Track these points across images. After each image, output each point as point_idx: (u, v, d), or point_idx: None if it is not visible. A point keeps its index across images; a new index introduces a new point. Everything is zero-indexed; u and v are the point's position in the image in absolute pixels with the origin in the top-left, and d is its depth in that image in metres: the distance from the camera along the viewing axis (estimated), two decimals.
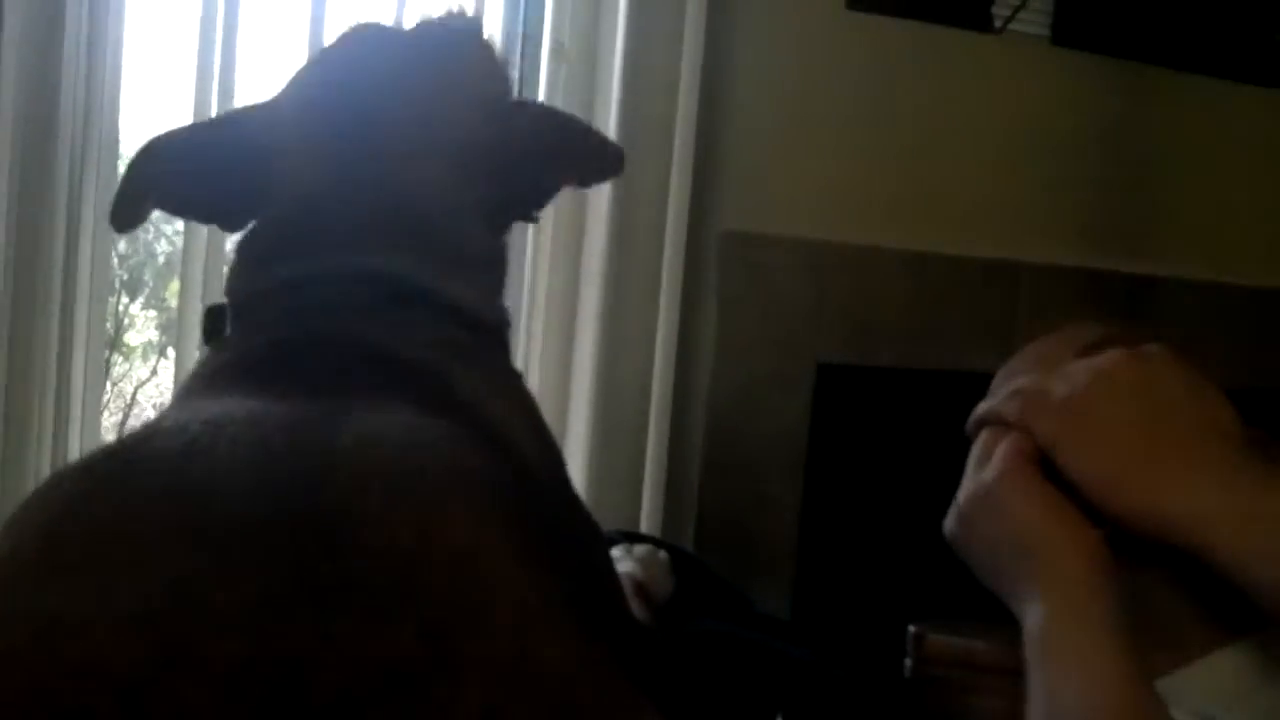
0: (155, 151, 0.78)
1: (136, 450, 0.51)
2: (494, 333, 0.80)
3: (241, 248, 0.78)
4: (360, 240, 0.73)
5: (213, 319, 0.75)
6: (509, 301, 0.87)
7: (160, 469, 0.48)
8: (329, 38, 0.89)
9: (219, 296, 0.78)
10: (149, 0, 1.71)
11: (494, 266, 0.83)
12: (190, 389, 0.66)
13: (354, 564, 0.45)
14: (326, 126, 0.78)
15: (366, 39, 0.86)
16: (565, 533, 0.66)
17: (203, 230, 1.67)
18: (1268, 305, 2.21)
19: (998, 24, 2.13)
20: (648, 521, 1.78)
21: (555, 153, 0.84)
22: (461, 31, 0.89)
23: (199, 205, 0.82)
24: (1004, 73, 2.10)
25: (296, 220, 0.75)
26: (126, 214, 0.78)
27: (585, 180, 0.92)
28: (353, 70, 0.82)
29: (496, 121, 0.82)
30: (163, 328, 3.77)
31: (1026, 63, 2.13)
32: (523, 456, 0.67)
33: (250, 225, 0.78)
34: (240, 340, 0.70)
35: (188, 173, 0.78)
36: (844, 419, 1.97)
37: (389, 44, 0.86)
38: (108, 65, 1.61)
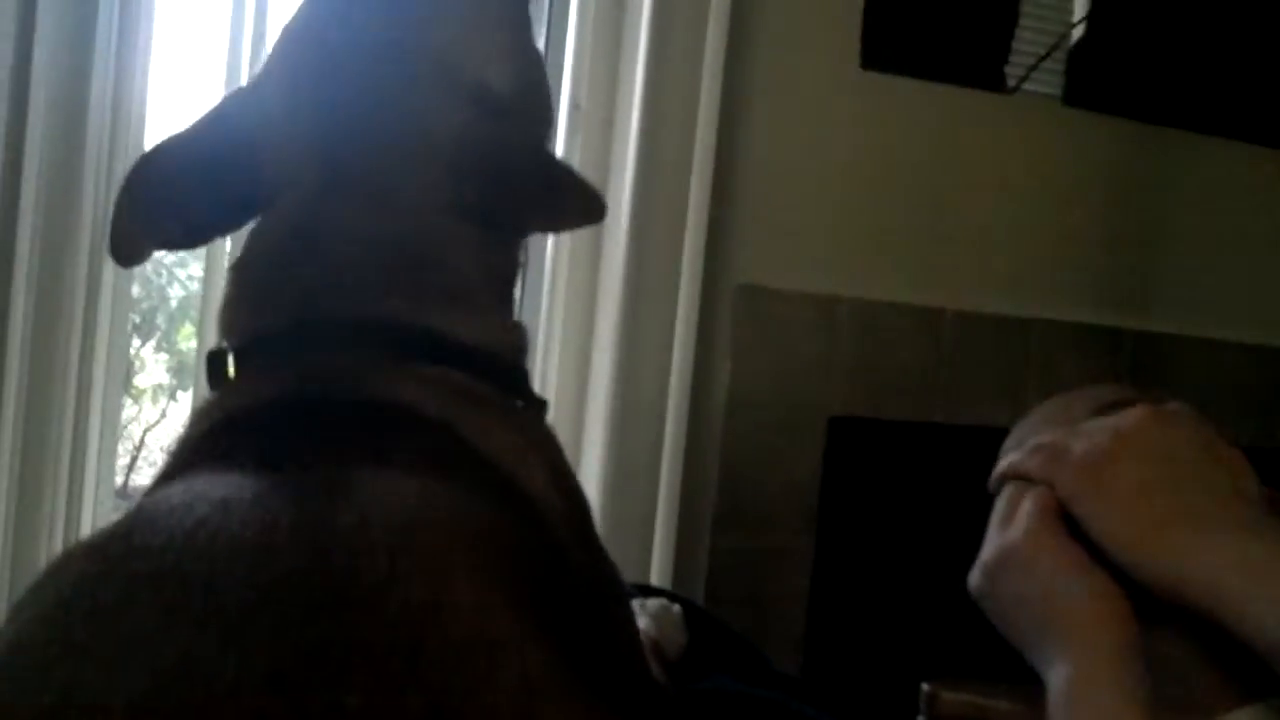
0: (141, 184, 0.75)
1: (145, 531, 0.51)
2: (507, 366, 0.76)
3: (236, 279, 0.74)
4: (358, 280, 0.70)
5: (215, 364, 0.72)
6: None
7: (169, 551, 0.49)
8: None
9: None
10: (174, 40, 1.74)
11: (501, 282, 0.78)
12: (194, 448, 0.64)
13: (360, 639, 0.46)
14: (314, 120, 0.73)
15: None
16: (582, 589, 0.65)
17: (221, 276, 1.69)
18: (1276, 364, 2.22)
19: (1011, 83, 2.16)
20: (659, 572, 1.78)
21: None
22: None
23: (203, 229, 0.79)
24: (1017, 132, 2.12)
25: (291, 254, 0.71)
26: (123, 252, 0.77)
27: (558, 223, 0.83)
28: (340, 32, 0.76)
29: (494, 113, 0.76)
30: (173, 371, 3.79)
31: (1039, 122, 2.16)
32: (538, 509, 0.65)
33: (243, 247, 0.74)
34: (244, 390, 0.69)
35: (180, 203, 0.76)
36: (855, 472, 1.97)
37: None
38: (133, 112, 1.64)
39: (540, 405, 0.79)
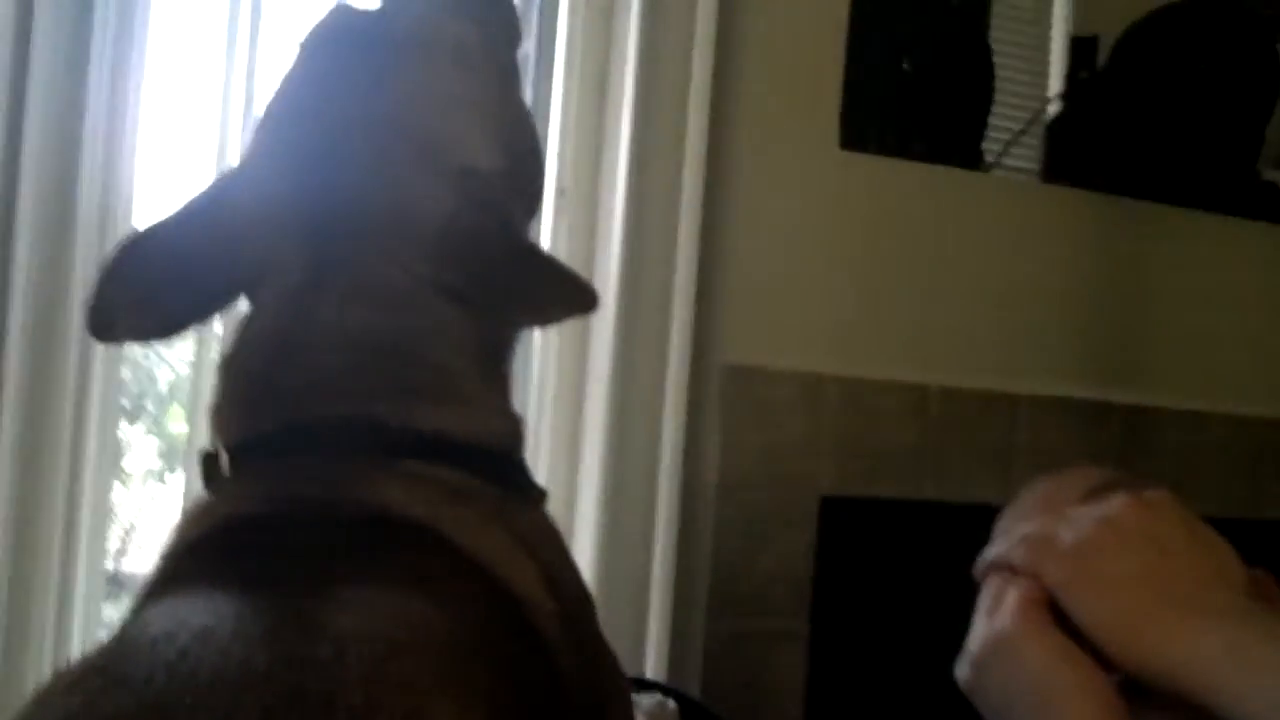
0: (120, 276, 0.76)
1: (127, 663, 0.51)
2: (499, 459, 0.75)
3: (225, 377, 0.75)
4: (343, 381, 0.71)
5: (208, 465, 0.73)
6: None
7: (148, 686, 0.49)
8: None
9: None
10: (164, 122, 1.76)
11: (493, 368, 0.77)
12: (181, 560, 0.65)
13: None
14: (296, 206, 0.73)
15: (337, 51, 0.79)
16: (574, 695, 0.65)
17: (210, 358, 1.70)
18: (1262, 435, 2.23)
19: (989, 159, 2.20)
20: (654, 658, 1.76)
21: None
22: (452, 35, 0.81)
23: (180, 322, 0.78)
24: (996, 208, 2.15)
25: (276, 353, 0.72)
26: (101, 334, 0.78)
27: (544, 316, 0.82)
28: (323, 114, 0.76)
29: (480, 201, 0.75)
30: (162, 454, 3.77)
31: (1018, 198, 2.19)
32: (525, 613, 0.65)
33: (232, 343, 0.75)
34: (232, 497, 0.69)
35: (158, 296, 0.76)
36: (849, 550, 1.96)
37: (363, 62, 0.78)
38: (123, 194, 1.65)
39: (540, 495, 0.78)
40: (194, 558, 0.64)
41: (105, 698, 0.49)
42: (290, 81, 0.80)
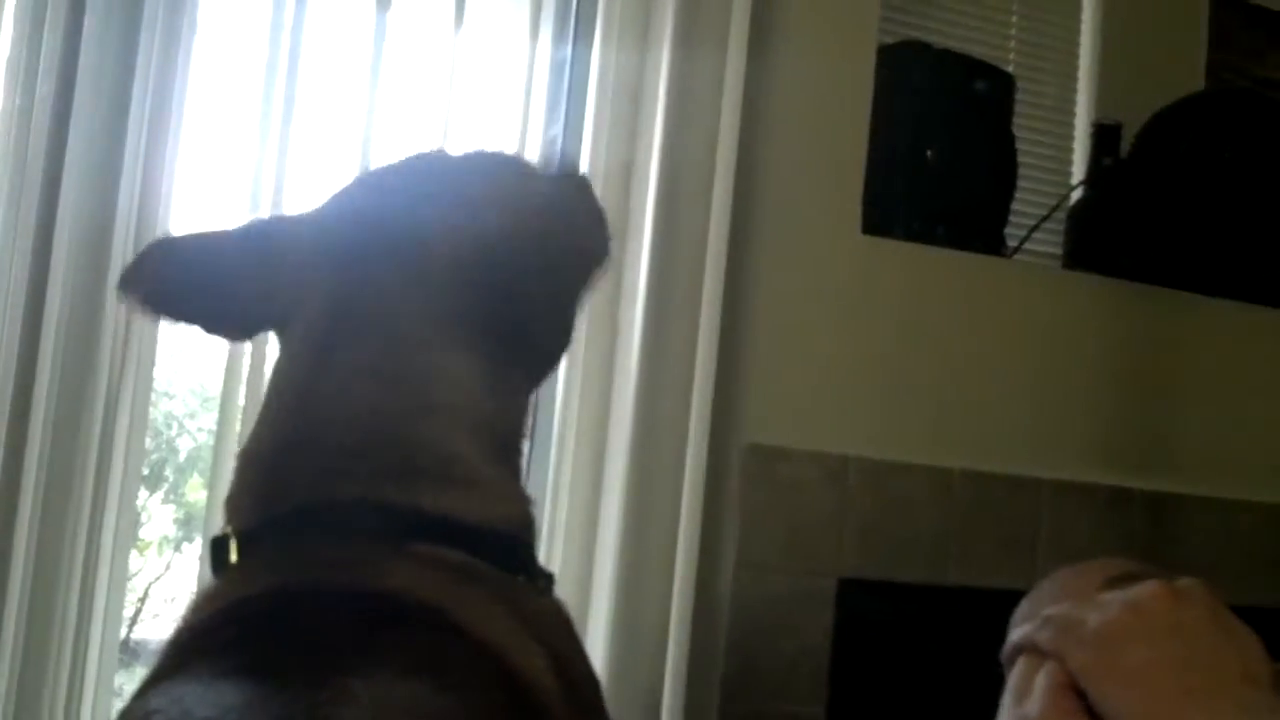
0: (167, 253, 0.81)
1: None
2: (509, 542, 0.76)
3: (240, 466, 0.77)
4: (355, 465, 0.72)
5: (218, 551, 0.74)
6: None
7: None
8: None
9: None
10: (199, 176, 1.80)
11: (508, 451, 0.80)
12: (188, 645, 0.65)
13: None
14: (332, 255, 0.78)
15: (416, 167, 0.86)
16: None
17: (234, 428, 1.71)
18: None
19: (1012, 244, 2.20)
20: None
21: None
22: (529, 179, 0.87)
23: (202, 314, 0.82)
24: (1019, 294, 2.15)
25: (287, 438, 0.74)
26: (125, 283, 0.81)
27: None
28: (384, 203, 0.82)
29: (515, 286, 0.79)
30: (180, 522, 3.78)
31: (1040, 285, 2.19)
32: (533, 698, 0.65)
33: (250, 436, 0.77)
34: (241, 581, 0.70)
35: (196, 283, 0.80)
36: (868, 635, 1.94)
37: (436, 175, 0.84)
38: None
39: (547, 580, 0.79)
40: (199, 643, 0.64)
41: None
42: (360, 177, 0.86)
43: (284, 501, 0.72)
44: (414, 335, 0.75)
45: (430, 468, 0.73)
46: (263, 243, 0.81)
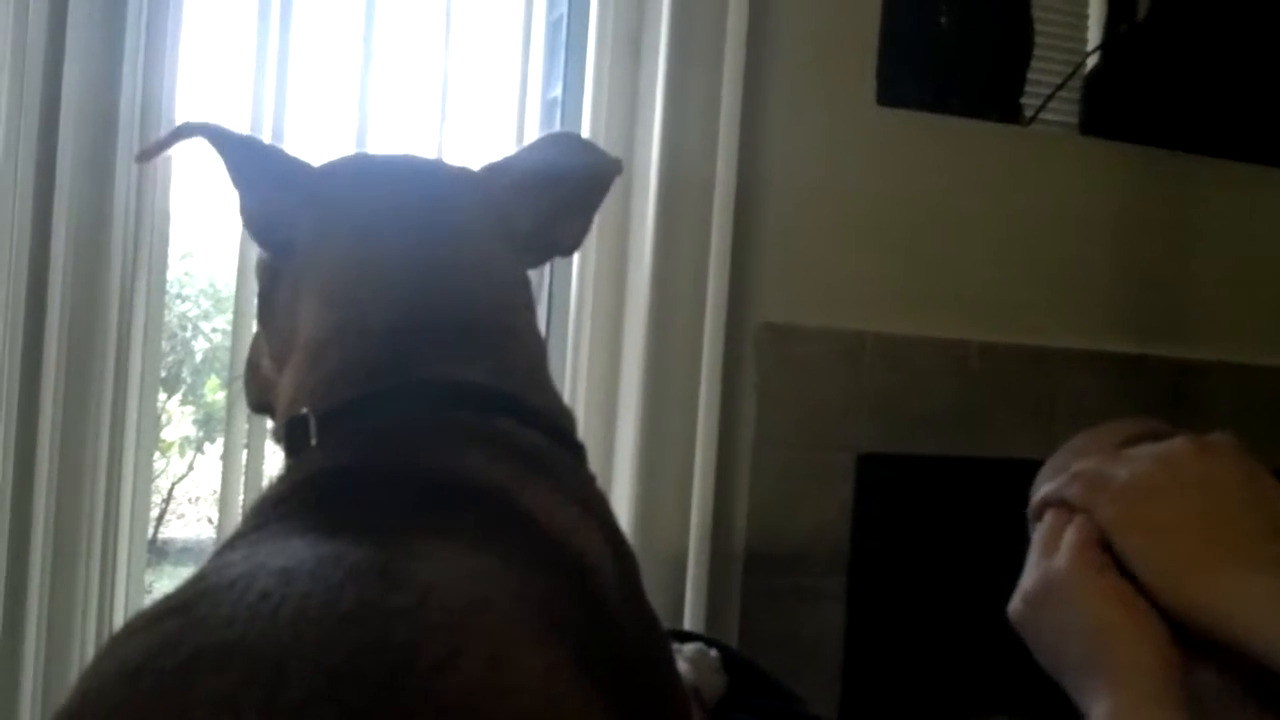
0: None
1: (206, 606, 0.51)
2: (568, 437, 0.81)
3: (317, 352, 0.79)
4: (440, 352, 0.77)
5: (295, 431, 0.75)
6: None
7: (230, 626, 0.49)
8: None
9: None
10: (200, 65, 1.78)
11: (543, 357, 0.86)
12: (264, 514, 0.66)
13: (421, 717, 0.46)
14: (376, 199, 0.85)
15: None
16: (634, 655, 0.67)
17: (248, 328, 1.71)
18: None
19: (1028, 114, 2.16)
20: (691, 615, 1.77)
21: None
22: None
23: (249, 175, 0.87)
24: (1034, 163, 2.12)
25: (371, 330, 0.78)
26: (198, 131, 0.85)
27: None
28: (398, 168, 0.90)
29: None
30: (200, 423, 3.82)
31: (1056, 153, 2.16)
32: (589, 571, 0.67)
33: (315, 326, 0.80)
34: (321, 456, 0.72)
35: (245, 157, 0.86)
36: (886, 509, 1.96)
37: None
38: (159, 174, 1.66)
39: (591, 479, 0.83)
40: (276, 509, 0.65)
41: (185, 637, 0.49)
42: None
43: (362, 384, 0.75)
44: (485, 244, 0.84)
45: (512, 356, 0.80)
46: (289, 174, 0.86)
